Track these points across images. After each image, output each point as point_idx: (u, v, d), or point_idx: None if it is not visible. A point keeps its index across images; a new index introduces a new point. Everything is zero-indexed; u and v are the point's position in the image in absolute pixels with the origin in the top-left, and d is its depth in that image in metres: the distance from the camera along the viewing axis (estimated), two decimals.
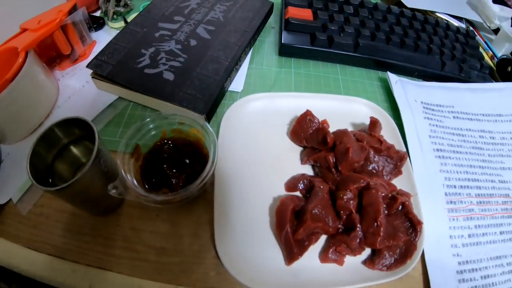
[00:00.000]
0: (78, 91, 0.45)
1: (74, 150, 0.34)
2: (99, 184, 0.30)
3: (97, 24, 0.54)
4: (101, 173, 0.30)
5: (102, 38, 0.49)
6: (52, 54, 0.46)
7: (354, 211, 0.34)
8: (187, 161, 0.38)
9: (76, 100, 0.44)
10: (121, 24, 0.55)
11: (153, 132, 0.37)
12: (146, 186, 0.35)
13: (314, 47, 0.53)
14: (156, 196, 0.30)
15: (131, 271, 0.32)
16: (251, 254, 0.33)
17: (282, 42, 0.53)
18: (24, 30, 0.42)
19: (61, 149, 0.32)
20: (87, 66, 0.42)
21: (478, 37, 0.69)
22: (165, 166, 0.38)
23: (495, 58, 0.65)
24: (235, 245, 0.33)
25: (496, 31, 0.71)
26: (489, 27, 0.73)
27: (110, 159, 0.32)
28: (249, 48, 0.52)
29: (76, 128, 0.31)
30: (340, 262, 0.33)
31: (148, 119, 0.35)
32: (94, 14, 0.56)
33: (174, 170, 0.38)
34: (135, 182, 0.33)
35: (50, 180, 0.31)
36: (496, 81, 0.58)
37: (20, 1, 0.48)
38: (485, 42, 0.70)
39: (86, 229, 0.34)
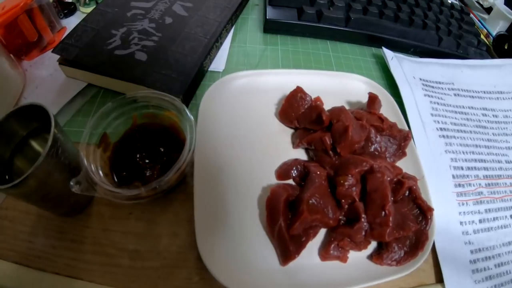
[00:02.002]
0: (45, 80, 0.42)
1: (34, 144, 0.31)
2: (59, 179, 0.27)
3: (68, 10, 0.50)
4: (60, 166, 0.27)
5: (74, 24, 0.45)
6: (18, 42, 0.43)
7: (357, 199, 0.30)
8: (162, 149, 0.34)
9: (42, 90, 0.41)
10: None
11: (121, 119, 0.33)
12: (116, 180, 0.32)
13: (302, 21, 0.49)
14: (125, 191, 0.27)
15: (102, 279, 0.29)
16: (239, 255, 0.30)
17: (267, 17, 0.49)
18: None
19: (19, 143, 0.29)
20: (53, 51, 0.39)
21: (471, 16, 0.66)
22: (137, 156, 0.34)
23: (490, 36, 0.63)
24: (220, 245, 0.29)
25: (489, 10, 0.70)
26: (481, 5, 0.72)
27: (73, 150, 0.29)
28: (230, 25, 0.49)
29: (34, 118, 0.28)
30: (343, 258, 0.30)
31: (110, 105, 0.31)
32: (66, 0, 0.53)
33: (147, 160, 0.34)
34: (101, 175, 0.30)
35: (7, 178, 0.28)
36: (494, 58, 0.56)
37: None
38: (479, 21, 0.68)
39: (53, 232, 0.31)
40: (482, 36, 0.62)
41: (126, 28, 0.42)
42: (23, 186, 0.24)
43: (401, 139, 0.35)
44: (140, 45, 0.40)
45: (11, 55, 0.41)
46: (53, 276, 0.29)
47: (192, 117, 0.30)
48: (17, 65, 0.41)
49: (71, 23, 0.49)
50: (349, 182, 0.30)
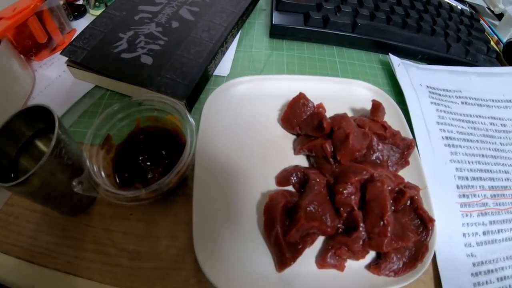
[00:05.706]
0: (54, 81, 0.43)
1: (39, 144, 0.31)
2: (62, 179, 0.27)
3: (78, 12, 0.51)
4: (64, 166, 0.27)
5: (83, 26, 0.47)
6: (27, 43, 0.44)
7: (356, 208, 0.30)
8: (164, 152, 0.35)
9: (51, 90, 0.42)
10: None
11: (125, 121, 0.34)
12: (118, 181, 0.32)
13: (308, 27, 0.49)
14: (125, 192, 0.27)
15: (101, 277, 0.29)
16: (236, 259, 0.30)
17: (273, 22, 0.49)
18: None
19: (25, 143, 0.30)
20: (61, 53, 0.40)
21: (482, 22, 0.65)
22: (140, 158, 0.35)
23: (500, 43, 0.62)
24: (217, 249, 0.30)
25: (500, 16, 0.69)
26: (492, 11, 0.70)
27: (76, 151, 0.29)
28: (236, 30, 0.49)
29: (40, 118, 0.29)
30: (340, 267, 0.29)
31: (116, 107, 0.32)
32: (76, 2, 0.54)
33: (149, 163, 0.34)
34: (104, 176, 0.30)
35: (13, 176, 0.28)
36: (503, 66, 0.55)
37: None
38: (489, 27, 0.67)
39: (56, 230, 0.32)
40: (492, 43, 0.60)
41: (133, 31, 0.42)
42: (27, 184, 0.24)
43: (404, 148, 0.35)
44: (146, 48, 0.40)
45: (21, 56, 0.42)
46: (54, 272, 0.29)
47: (193, 121, 0.30)
48: (27, 65, 0.42)
49: (81, 25, 0.50)
50: (348, 191, 0.29)
